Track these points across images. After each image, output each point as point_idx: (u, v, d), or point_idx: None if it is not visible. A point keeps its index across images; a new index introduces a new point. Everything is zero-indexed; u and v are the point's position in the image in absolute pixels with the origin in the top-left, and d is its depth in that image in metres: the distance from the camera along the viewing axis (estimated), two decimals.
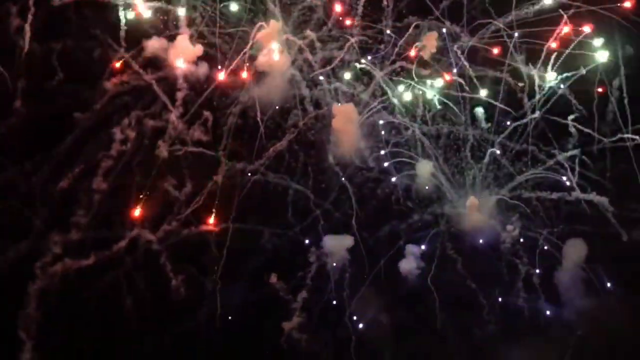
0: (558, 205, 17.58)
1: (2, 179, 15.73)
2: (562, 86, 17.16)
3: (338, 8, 16.86)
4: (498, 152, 17.60)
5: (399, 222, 17.63)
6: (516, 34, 16.84)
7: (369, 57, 17.33)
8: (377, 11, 17.21)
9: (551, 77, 16.50)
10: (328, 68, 16.50)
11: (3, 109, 15.53)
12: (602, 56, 16.69)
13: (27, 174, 15.87)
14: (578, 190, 17.32)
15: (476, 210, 17.10)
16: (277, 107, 16.78)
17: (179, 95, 15.95)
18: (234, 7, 16.54)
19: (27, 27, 14.99)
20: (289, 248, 17.13)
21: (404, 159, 17.38)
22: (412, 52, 16.94)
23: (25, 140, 15.82)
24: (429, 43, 16.86)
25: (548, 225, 17.59)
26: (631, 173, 17.11)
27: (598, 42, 16.37)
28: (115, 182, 15.87)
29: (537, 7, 16.67)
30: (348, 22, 16.70)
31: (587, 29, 16.32)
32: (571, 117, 17.27)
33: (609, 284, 17.37)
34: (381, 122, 16.94)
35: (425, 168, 17.19)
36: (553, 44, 16.57)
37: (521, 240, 17.53)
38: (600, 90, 17.01)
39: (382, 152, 17.44)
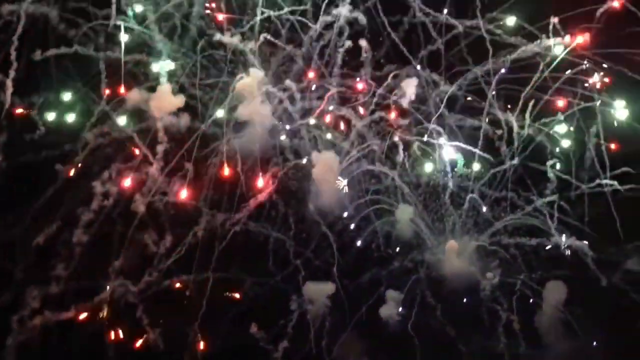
0: (537, 250, 17.49)
1: None
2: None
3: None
4: (477, 198, 17.40)
5: (379, 268, 17.54)
6: (494, 82, 16.61)
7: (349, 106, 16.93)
8: (356, 59, 16.98)
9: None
10: (308, 119, 16.34)
11: None
12: (621, 115, 16.61)
13: (8, 226, 15.56)
14: (557, 235, 17.17)
15: (455, 255, 17.04)
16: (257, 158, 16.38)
17: (159, 148, 15.68)
18: None
19: (9, 83, 14.78)
20: (269, 297, 16.96)
21: (384, 206, 17.28)
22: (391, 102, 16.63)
23: (6, 192, 15.48)
24: (408, 90, 16.82)
25: (527, 270, 17.42)
26: (610, 217, 16.96)
27: (620, 103, 16.34)
28: (96, 235, 15.56)
29: (514, 55, 16.52)
30: (311, 74, 16.43)
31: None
32: (550, 162, 17.18)
33: (589, 328, 17.19)
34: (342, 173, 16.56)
35: (405, 212, 17.17)
36: (560, 102, 16.44)
37: (501, 286, 17.28)
38: (613, 146, 16.85)
39: (362, 200, 17.06)
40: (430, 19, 17.03)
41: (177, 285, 16.94)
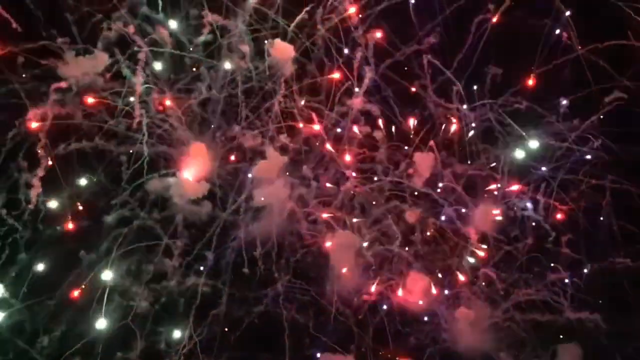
0: (550, 324, 17.80)
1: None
2: None
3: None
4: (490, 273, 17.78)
5: (396, 344, 17.82)
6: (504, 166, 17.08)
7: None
8: (370, 139, 17.39)
9: None
10: (326, 215, 16.80)
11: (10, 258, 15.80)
12: None
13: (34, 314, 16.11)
14: (570, 310, 17.54)
15: (468, 323, 17.33)
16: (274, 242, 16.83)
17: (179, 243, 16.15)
18: None
19: (36, 182, 15.28)
20: None
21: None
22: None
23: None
24: (423, 169, 17.22)
25: (541, 346, 17.77)
26: (622, 289, 17.29)
27: None
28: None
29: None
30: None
31: None
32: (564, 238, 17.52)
33: None
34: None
35: (417, 280, 17.46)
36: None
37: None
38: None
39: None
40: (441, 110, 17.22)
41: None
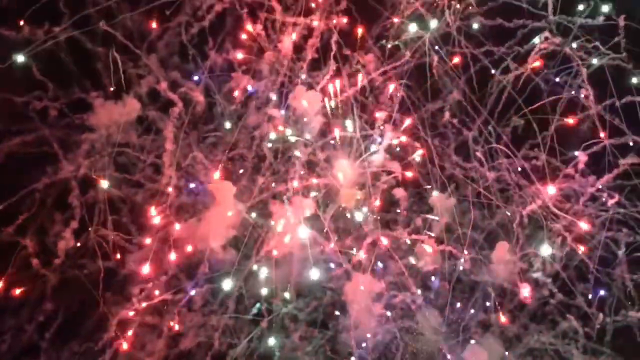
0: None
1: None
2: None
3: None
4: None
5: None
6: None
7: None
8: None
9: None
10: (344, 267, 17.24)
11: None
12: None
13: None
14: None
15: None
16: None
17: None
18: None
19: (67, 234, 16.20)
20: None
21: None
22: None
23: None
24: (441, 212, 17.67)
25: None
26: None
27: None
28: None
29: None
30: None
31: None
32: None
33: None
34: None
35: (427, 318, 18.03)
36: None
37: None
38: None
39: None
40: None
41: None
